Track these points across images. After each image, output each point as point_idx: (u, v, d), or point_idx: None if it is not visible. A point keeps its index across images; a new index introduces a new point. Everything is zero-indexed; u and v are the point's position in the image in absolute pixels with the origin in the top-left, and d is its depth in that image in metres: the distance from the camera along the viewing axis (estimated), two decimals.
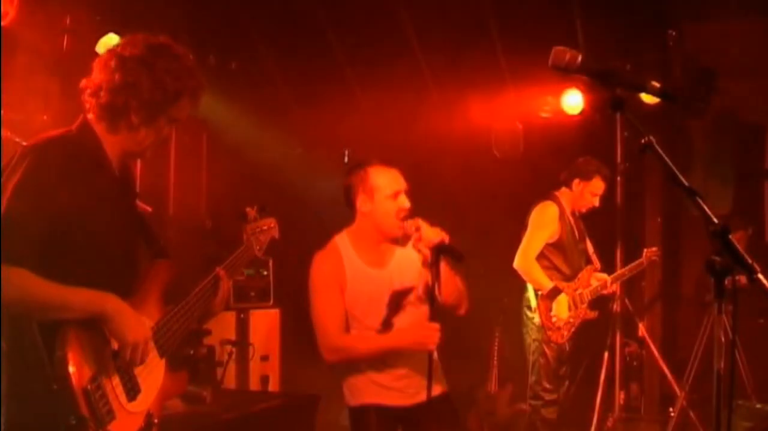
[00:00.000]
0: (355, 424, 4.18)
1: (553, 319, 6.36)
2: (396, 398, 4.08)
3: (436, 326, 3.90)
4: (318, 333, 4.04)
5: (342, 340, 4.02)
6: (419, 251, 4.05)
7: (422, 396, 3.96)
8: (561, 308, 6.41)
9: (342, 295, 4.04)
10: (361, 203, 4.10)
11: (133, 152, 3.04)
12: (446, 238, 3.95)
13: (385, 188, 4.09)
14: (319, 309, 4.04)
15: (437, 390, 4.15)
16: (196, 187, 7.88)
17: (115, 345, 2.74)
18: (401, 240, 4.20)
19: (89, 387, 2.62)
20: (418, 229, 3.98)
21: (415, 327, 4.02)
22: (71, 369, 2.60)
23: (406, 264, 4.20)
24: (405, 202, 4.10)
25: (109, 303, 2.73)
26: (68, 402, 2.58)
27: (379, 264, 4.16)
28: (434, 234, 3.95)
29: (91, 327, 2.69)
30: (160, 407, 2.98)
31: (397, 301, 4.14)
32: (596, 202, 6.75)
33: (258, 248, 3.60)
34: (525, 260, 6.43)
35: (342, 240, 4.15)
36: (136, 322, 2.79)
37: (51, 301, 2.64)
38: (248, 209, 3.63)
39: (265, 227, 3.66)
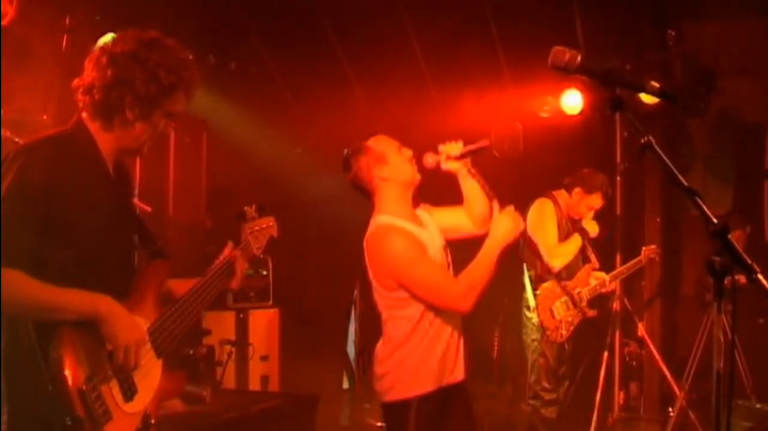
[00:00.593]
0: (395, 418, 4.11)
1: (555, 314, 6.38)
2: (434, 381, 4.04)
3: (511, 207, 4.05)
4: (439, 296, 3.95)
5: (464, 283, 3.95)
6: (450, 169, 4.24)
7: (454, 378, 4.07)
8: (560, 307, 6.43)
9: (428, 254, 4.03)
10: (379, 171, 4.12)
11: (130, 149, 3.02)
12: (461, 143, 4.20)
13: (390, 146, 4.18)
14: (426, 274, 3.95)
15: (463, 373, 4.20)
16: (195, 187, 7.88)
17: (110, 346, 2.74)
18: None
19: (85, 387, 2.61)
20: (439, 153, 4.20)
21: (499, 219, 4.05)
22: (66, 369, 2.59)
23: (432, 224, 4.27)
24: (408, 150, 4.20)
25: (102, 305, 2.71)
26: (64, 403, 2.57)
27: (422, 226, 4.19)
28: (453, 147, 4.21)
29: (87, 327, 2.68)
30: (157, 407, 2.97)
31: (444, 258, 4.19)
32: (590, 216, 6.75)
33: (257, 247, 3.59)
34: (555, 255, 6.44)
35: (385, 219, 4.09)
36: (129, 324, 2.77)
37: (44, 303, 2.62)
38: (247, 208, 3.62)
39: (264, 226, 3.65)
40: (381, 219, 4.09)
